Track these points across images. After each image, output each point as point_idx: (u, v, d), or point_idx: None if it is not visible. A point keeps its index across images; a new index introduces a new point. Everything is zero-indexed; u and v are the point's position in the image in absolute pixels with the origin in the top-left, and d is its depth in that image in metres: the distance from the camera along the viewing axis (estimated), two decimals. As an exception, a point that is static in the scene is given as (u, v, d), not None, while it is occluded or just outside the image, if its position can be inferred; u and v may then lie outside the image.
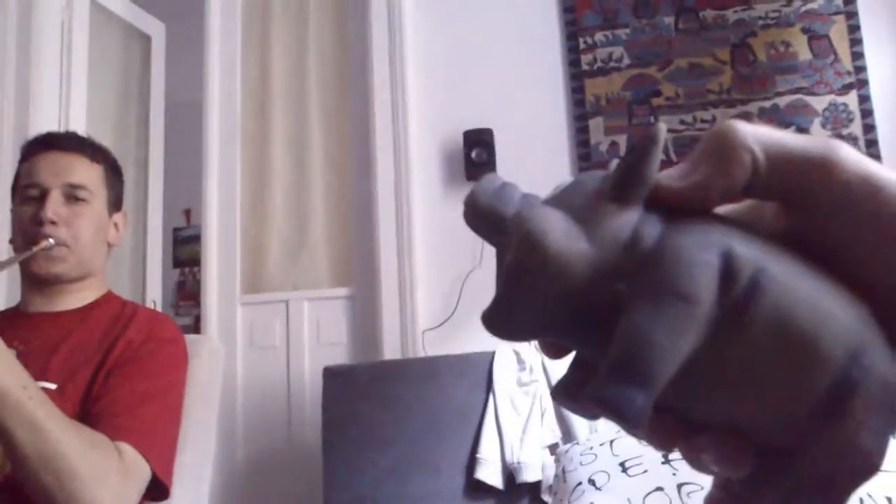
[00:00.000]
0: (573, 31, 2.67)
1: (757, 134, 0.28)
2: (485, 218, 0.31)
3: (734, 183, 0.28)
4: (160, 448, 1.28)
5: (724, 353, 0.27)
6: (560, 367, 2.11)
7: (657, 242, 0.28)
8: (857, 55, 2.47)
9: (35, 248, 1.35)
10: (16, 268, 1.42)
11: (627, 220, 0.28)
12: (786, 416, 0.28)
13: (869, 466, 0.28)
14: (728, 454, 0.29)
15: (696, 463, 0.30)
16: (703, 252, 0.27)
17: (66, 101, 2.80)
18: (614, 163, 0.30)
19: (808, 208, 0.28)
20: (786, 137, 0.28)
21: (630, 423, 0.27)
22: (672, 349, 0.27)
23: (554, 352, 0.32)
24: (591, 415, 0.30)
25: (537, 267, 0.28)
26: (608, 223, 0.28)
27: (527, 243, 0.28)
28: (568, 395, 0.31)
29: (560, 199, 0.30)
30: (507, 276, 0.29)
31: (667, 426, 0.30)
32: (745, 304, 0.27)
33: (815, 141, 0.28)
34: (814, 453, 0.28)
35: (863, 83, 2.45)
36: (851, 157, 0.28)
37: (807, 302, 0.27)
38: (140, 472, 1.22)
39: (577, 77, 2.64)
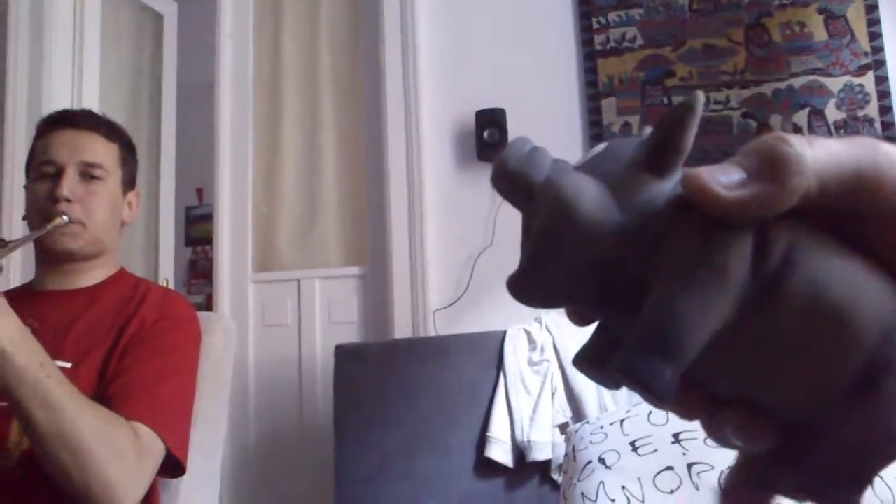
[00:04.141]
0: (586, 11, 2.65)
1: (814, 158, 0.27)
2: (513, 182, 0.30)
3: (782, 207, 0.27)
4: (175, 426, 1.29)
5: (755, 328, 0.27)
6: (572, 346, 2.12)
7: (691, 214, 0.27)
8: (875, 35, 2.44)
9: (49, 226, 1.35)
10: (30, 245, 1.42)
11: (661, 191, 0.28)
12: (815, 393, 0.27)
13: (890, 453, 0.27)
14: (752, 429, 0.29)
15: (718, 436, 0.30)
16: (741, 234, 0.27)
17: (79, 80, 2.81)
18: (647, 130, 0.29)
19: (854, 218, 0.28)
20: (839, 157, 0.27)
21: (657, 397, 0.27)
22: (702, 322, 0.26)
23: (580, 320, 0.32)
24: (613, 384, 0.30)
25: (567, 233, 0.28)
26: (642, 193, 0.28)
27: (557, 209, 0.28)
28: (590, 363, 0.31)
29: (592, 166, 0.29)
30: (536, 242, 0.29)
31: (691, 397, 0.30)
32: (779, 279, 0.27)
33: (862, 150, 0.27)
34: (842, 432, 0.27)
35: (880, 64, 2.42)
36: None
37: (841, 280, 0.27)
38: (155, 450, 1.23)
39: (590, 57, 2.62)
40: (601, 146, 0.30)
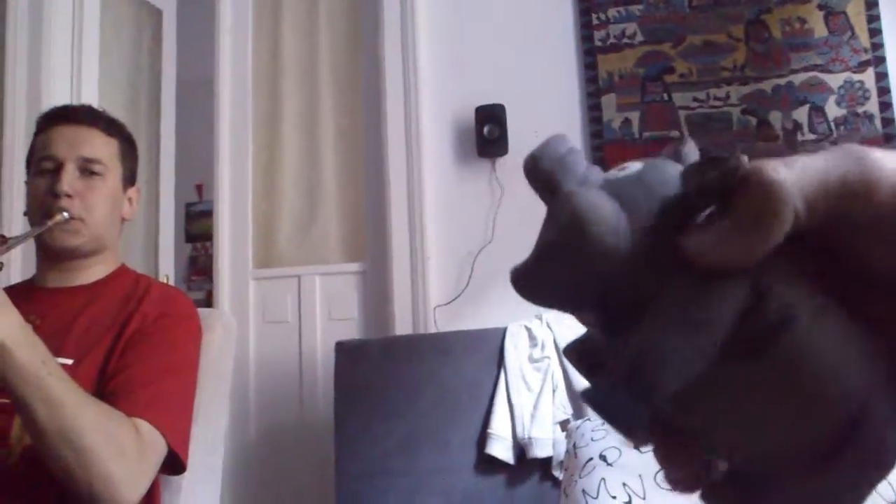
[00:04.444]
0: (586, 7, 2.64)
1: (799, 183, 0.26)
2: (542, 182, 0.31)
3: (774, 243, 0.27)
4: (176, 423, 1.29)
5: (733, 376, 0.28)
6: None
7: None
8: (875, 32, 2.44)
9: (49, 222, 1.35)
10: (31, 241, 1.42)
11: (674, 237, 0.28)
12: (775, 449, 0.28)
13: None
14: (683, 464, 0.30)
15: (674, 481, 0.31)
16: (735, 281, 0.27)
17: (78, 76, 2.80)
18: (688, 147, 0.30)
19: (845, 232, 0.28)
20: (825, 174, 0.27)
21: (624, 434, 0.28)
22: (683, 369, 0.27)
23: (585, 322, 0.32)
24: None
25: (574, 250, 0.28)
26: (657, 236, 0.28)
27: (571, 225, 0.28)
28: (578, 357, 0.32)
29: (620, 188, 0.29)
30: (545, 248, 0.29)
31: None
32: (768, 336, 0.27)
33: (848, 161, 0.27)
34: (786, 492, 0.28)
35: (880, 60, 2.42)
36: (888, 174, 0.27)
37: (826, 352, 0.27)
38: (156, 447, 1.23)
39: (589, 53, 2.62)
40: (637, 166, 0.30)
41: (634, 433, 0.28)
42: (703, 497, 0.31)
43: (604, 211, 0.28)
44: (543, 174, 0.30)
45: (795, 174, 0.27)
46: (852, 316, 0.28)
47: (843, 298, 0.28)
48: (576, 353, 0.32)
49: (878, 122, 2.39)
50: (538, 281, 0.30)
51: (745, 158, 0.28)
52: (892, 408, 0.28)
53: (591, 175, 0.30)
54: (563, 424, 2.05)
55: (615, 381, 0.27)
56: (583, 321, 0.32)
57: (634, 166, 0.30)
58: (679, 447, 0.30)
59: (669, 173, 0.30)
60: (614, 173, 0.31)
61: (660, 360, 0.27)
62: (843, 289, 0.28)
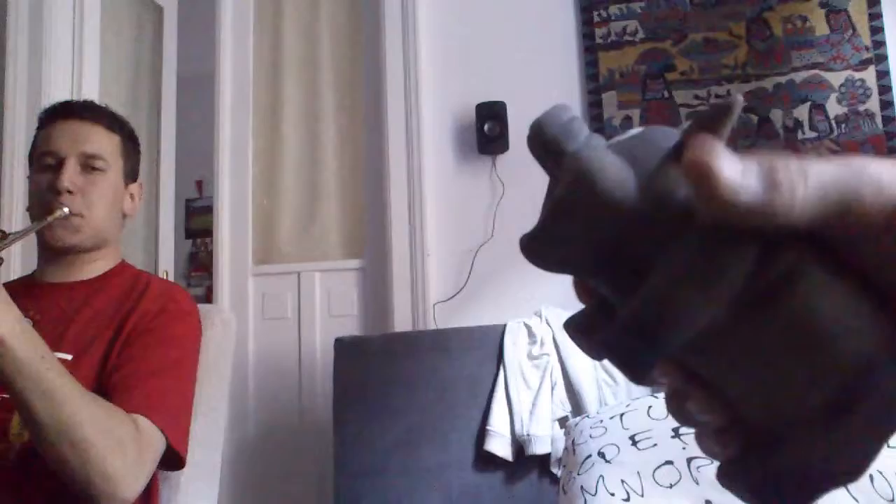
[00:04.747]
0: (587, 4, 2.64)
1: (803, 191, 0.27)
2: (547, 148, 0.31)
3: (774, 223, 0.27)
4: (175, 419, 1.29)
5: (742, 333, 0.28)
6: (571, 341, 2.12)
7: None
8: (876, 30, 2.44)
9: (50, 218, 1.35)
10: (32, 237, 1.42)
11: (682, 184, 0.28)
12: (786, 406, 0.28)
13: (846, 476, 0.28)
14: (712, 410, 0.30)
15: (677, 406, 0.31)
16: (748, 237, 0.27)
17: (79, 72, 2.80)
18: (686, 123, 0.30)
19: (838, 240, 0.28)
20: (826, 183, 0.27)
21: (633, 377, 0.28)
22: (693, 317, 0.27)
23: (585, 295, 0.33)
24: (596, 355, 0.31)
25: (583, 205, 0.28)
26: (664, 181, 0.28)
27: (578, 181, 0.29)
28: (579, 329, 0.32)
29: (624, 147, 0.30)
30: (554, 206, 0.30)
31: (667, 369, 0.31)
32: (776, 293, 0.27)
33: (848, 177, 0.27)
34: (803, 448, 0.28)
35: (881, 58, 2.42)
36: (885, 188, 0.27)
37: (833, 308, 0.27)
38: (155, 443, 1.23)
39: (590, 50, 2.62)
40: (638, 129, 0.31)
41: (640, 376, 0.28)
42: (720, 475, 0.31)
43: (611, 166, 0.29)
44: (548, 139, 0.31)
45: (806, 186, 0.27)
46: (861, 281, 0.28)
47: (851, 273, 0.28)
48: (575, 326, 0.32)
49: (878, 121, 2.38)
50: (548, 243, 0.30)
51: (739, 97, 0.28)
52: None
53: (594, 139, 0.31)
54: (562, 421, 2.05)
55: (625, 328, 0.28)
56: (584, 297, 0.33)
57: (637, 129, 0.31)
58: (694, 383, 0.30)
59: (671, 132, 0.30)
60: (617, 137, 0.31)
61: (671, 308, 0.27)
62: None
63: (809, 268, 0.27)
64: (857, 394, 0.27)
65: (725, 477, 0.31)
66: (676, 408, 0.32)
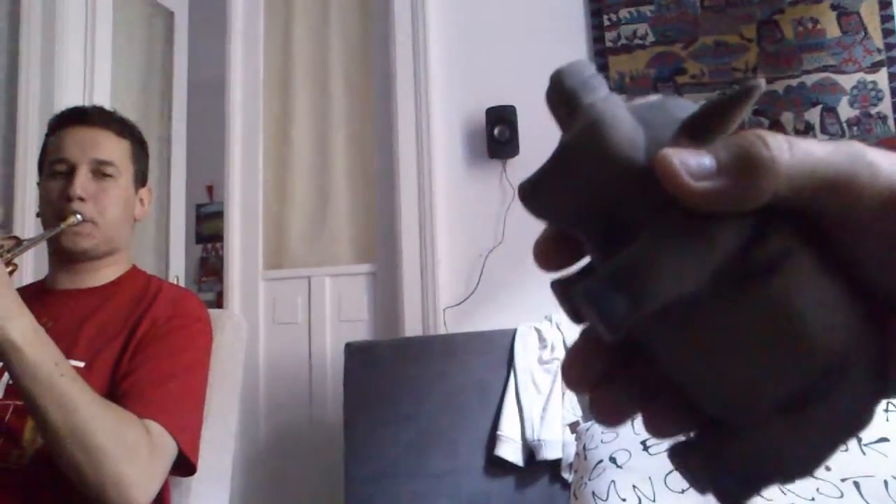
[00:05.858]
0: (597, 8, 2.64)
1: (789, 164, 0.27)
2: (564, 99, 0.31)
3: (746, 206, 0.27)
4: (187, 425, 1.29)
5: (719, 310, 0.28)
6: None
7: None
8: (888, 32, 2.42)
9: (63, 225, 1.36)
10: (43, 243, 1.43)
11: None
12: (748, 394, 0.28)
13: (796, 473, 0.29)
14: (664, 426, 0.31)
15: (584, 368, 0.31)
16: (737, 217, 0.27)
17: (91, 77, 2.82)
18: (703, 99, 0.30)
19: (830, 223, 0.28)
20: (815, 158, 0.27)
21: (608, 329, 0.27)
22: (674, 278, 0.27)
23: (557, 258, 0.32)
24: (575, 315, 0.31)
25: (589, 155, 0.28)
26: (670, 146, 0.28)
27: (589, 131, 0.28)
28: (562, 286, 0.32)
29: (639, 110, 0.30)
30: (558, 153, 0.29)
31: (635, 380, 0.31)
32: (761, 274, 0.27)
33: (843, 158, 0.27)
34: (754, 440, 0.28)
35: (893, 61, 2.40)
36: (882, 174, 0.27)
37: (815, 300, 0.27)
38: (167, 449, 1.23)
39: (600, 54, 2.61)
40: (657, 97, 0.31)
41: (614, 331, 0.28)
42: (671, 454, 0.31)
43: (624, 123, 0.28)
44: (567, 90, 0.31)
45: (793, 157, 0.27)
46: (846, 279, 0.28)
47: (838, 265, 0.28)
48: (560, 283, 0.32)
49: (891, 123, 2.37)
50: (547, 189, 0.30)
51: (762, 81, 0.28)
52: (871, 368, 0.28)
53: (613, 97, 0.31)
54: (573, 426, 2.04)
55: (609, 276, 0.27)
56: (560, 258, 0.33)
57: (656, 97, 0.31)
58: (659, 384, 0.31)
59: (688, 105, 0.30)
60: (636, 101, 0.31)
61: (654, 268, 0.27)
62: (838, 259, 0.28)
63: (798, 254, 0.27)
64: (823, 392, 0.27)
65: (676, 457, 0.31)
66: (583, 365, 0.31)
